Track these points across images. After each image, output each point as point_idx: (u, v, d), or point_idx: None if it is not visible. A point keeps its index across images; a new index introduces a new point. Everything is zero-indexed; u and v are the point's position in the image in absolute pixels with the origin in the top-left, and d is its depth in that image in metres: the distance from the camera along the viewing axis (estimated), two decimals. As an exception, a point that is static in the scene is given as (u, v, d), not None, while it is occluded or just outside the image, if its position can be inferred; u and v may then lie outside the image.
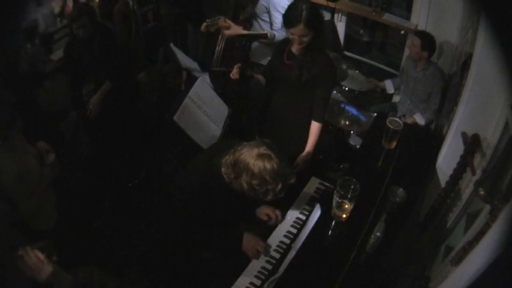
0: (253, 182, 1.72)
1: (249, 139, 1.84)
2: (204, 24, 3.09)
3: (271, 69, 2.56)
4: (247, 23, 3.24)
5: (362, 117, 3.26)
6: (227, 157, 1.80)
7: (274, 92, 2.61)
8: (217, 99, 2.89)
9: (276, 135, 2.59)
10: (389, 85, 3.47)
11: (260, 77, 2.51)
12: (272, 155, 1.72)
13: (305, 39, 2.24)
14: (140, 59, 3.69)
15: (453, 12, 3.11)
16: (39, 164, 2.19)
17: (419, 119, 3.06)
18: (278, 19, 2.88)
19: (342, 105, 3.29)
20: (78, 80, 3.13)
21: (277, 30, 2.95)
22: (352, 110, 3.30)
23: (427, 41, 2.93)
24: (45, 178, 2.19)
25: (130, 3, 3.35)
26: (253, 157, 1.72)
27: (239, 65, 2.30)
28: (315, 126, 2.45)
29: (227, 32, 3.06)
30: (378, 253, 1.88)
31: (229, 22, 3.05)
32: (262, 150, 1.73)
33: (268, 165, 1.70)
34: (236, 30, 3.08)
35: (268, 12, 3.03)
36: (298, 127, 2.51)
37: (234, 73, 2.29)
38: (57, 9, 3.33)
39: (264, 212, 2.17)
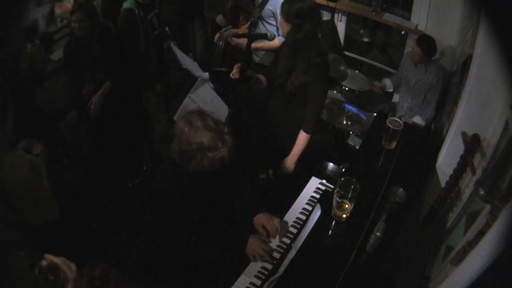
0: (181, 144, 1.81)
1: (249, 139, 1.85)
2: (218, 34, 3.11)
3: (270, 71, 2.56)
4: (252, 26, 3.24)
5: (363, 116, 3.25)
6: None
7: (272, 94, 2.61)
8: (217, 99, 2.89)
9: (272, 136, 2.59)
10: (388, 83, 3.48)
11: (261, 77, 2.51)
12: (193, 120, 1.82)
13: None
14: (155, 69, 3.53)
15: (453, 12, 3.11)
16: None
17: (419, 121, 3.06)
18: None
19: (343, 105, 3.29)
20: (78, 80, 3.13)
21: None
22: (353, 109, 3.29)
23: (429, 47, 2.94)
24: (41, 166, 2.22)
25: (136, 11, 3.13)
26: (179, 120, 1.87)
27: (239, 65, 2.29)
28: (302, 136, 2.41)
29: (236, 40, 3.07)
30: (378, 253, 1.88)
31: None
32: (187, 114, 1.87)
33: (181, 125, 1.82)
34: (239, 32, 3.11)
35: (275, 17, 3.03)
36: (293, 130, 2.48)
37: (234, 73, 2.29)
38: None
39: (261, 222, 2.07)
